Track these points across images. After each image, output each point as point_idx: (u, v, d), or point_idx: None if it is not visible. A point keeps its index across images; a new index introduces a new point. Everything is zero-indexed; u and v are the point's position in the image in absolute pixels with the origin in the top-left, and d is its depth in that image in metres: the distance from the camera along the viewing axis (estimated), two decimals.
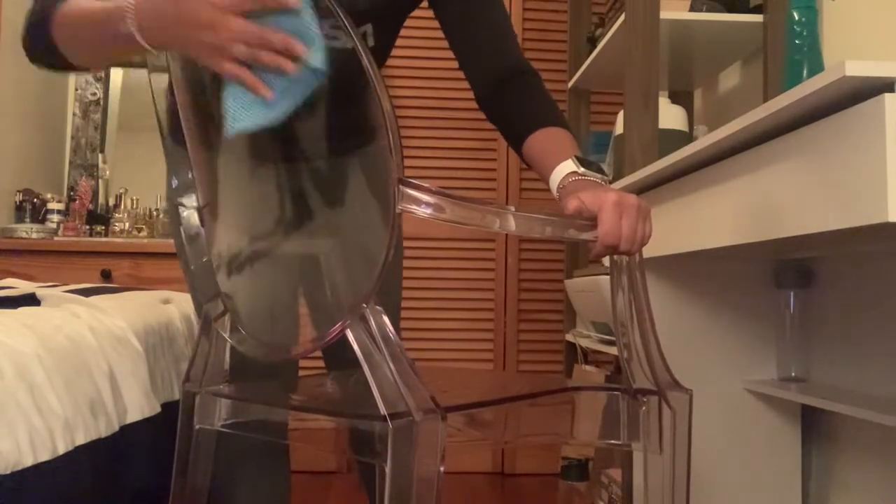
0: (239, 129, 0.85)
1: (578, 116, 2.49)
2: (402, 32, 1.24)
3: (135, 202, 2.97)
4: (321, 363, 1.41)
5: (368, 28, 1.12)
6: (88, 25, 1.00)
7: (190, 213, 1.01)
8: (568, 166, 1.04)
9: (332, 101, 1.00)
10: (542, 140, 1.10)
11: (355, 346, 0.79)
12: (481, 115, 1.18)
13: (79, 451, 1.00)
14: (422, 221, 2.49)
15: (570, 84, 2.48)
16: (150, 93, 1.03)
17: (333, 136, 1.13)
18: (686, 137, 1.97)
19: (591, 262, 2.49)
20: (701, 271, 1.68)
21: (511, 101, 1.13)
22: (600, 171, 1.05)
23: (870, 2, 1.57)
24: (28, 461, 0.90)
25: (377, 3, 1.10)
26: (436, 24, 1.18)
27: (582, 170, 1.03)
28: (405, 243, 2.06)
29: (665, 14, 1.84)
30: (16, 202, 2.83)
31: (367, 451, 0.80)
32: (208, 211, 1.01)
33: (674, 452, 0.99)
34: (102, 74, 3.17)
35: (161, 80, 1.01)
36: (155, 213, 2.96)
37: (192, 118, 1.01)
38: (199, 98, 0.99)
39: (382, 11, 1.12)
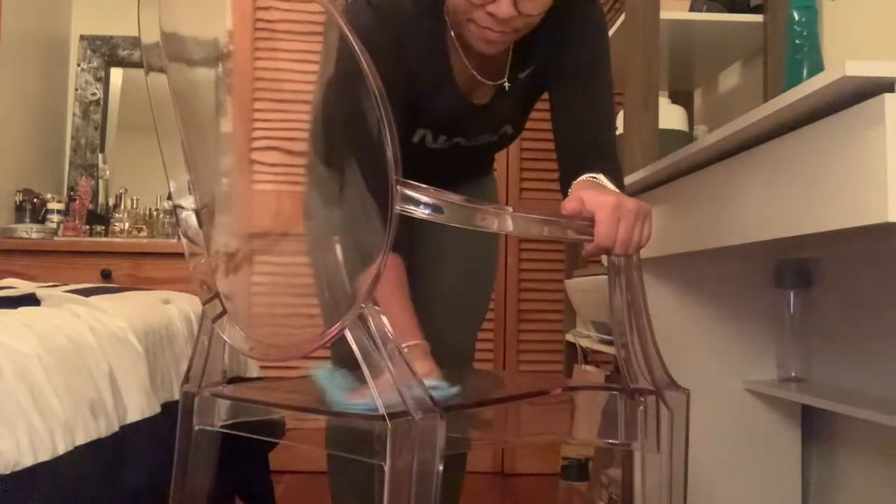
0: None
1: None
2: None
3: (135, 202, 2.97)
4: (321, 363, 1.41)
5: (508, 127, 1.30)
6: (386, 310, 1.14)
7: (188, 214, 1.02)
8: (589, 174, 1.06)
9: (464, 164, 1.34)
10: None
11: (354, 346, 0.79)
12: None
13: (79, 451, 1.00)
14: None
15: None
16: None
17: (459, 176, 1.36)
18: (686, 137, 1.97)
19: (591, 262, 2.49)
20: (701, 271, 1.68)
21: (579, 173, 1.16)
22: (620, 188, 1.06)
23: (870, 2, 1.57)
24: (28, 461, 0.90)
25: (512, 111, 1.27)
26: None
27: (601, 177, 1.04)
28: None
29: (665, 14, 1.84)
30: (16, 202, 2.83)
31: (366, 450, 0.80)
32: (207, 212, 1.01)
33: (671, 452, 0.99)
34: (102, 74, 3.17)
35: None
36: (155, 213, 2.96)
37: (191, 120, 1.01)
38: (197, 101, 0.99)
39: (517, 114, 1.29)
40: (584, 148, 1.18)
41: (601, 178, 1.06)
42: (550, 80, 1.23)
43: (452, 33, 1.17)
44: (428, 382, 1.10)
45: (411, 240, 1.40)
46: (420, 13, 1.15)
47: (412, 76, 1.16)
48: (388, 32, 1.12)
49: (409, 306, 1.19)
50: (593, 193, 0.96)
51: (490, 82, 1.22)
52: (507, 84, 1.21)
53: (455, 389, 1.13)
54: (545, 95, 1.28)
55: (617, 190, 1.04)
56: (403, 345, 1.17)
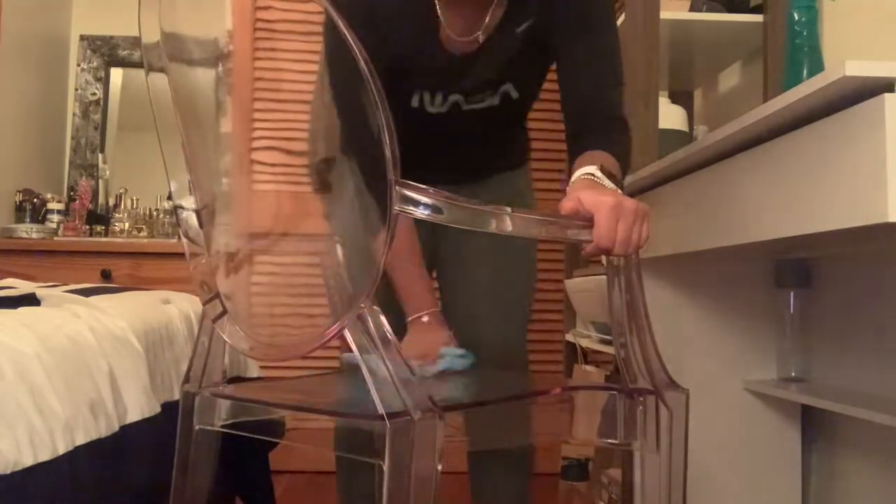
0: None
1: None
2: None
3: (135, 202, 2.97)
4: (321, 363, 1.41)
5: (509, 86, 1.24)
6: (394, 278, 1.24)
7: (189, 214, 1.02)
8: (588, 170, 1.04)
9: (481, 139, 1.31)
10: (585, 155, 1.11)
11: (353, 346, 0.79)
12: None
13: (79, 451, 1.00)
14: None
15: None
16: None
17: (485, 164, 1.39)
18: (686, 137, 1.97)
19: (591, 262, 2.49)
20: (701, 271, 1.68)
21: (587, 144, 1.14)
22: (619, 186, 1.05)
23: (870, 2, 1.57)
24: (28, 461, 0.90)
25: (508, 68, 1.23)
26: None
27: (599, 175, 1.03)
28: None
29: (665, 14, 1.84)
30: (16, 202, 2.83)
31: (365, 450, 0.80)
32: (207, 212, 1.01)
33: (670, 451, 0.99)
34: (102, 74, 3.17)
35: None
36: (155, 213, 2.96)
37: (191, 120, 1.01)
38: (197, 101, 0.99)
39: (515, 73, 1.24)
40: (588, 109, 1.16)
41: (599, 174, 1.04)
42: (553, 35, 1.19)
43: None
44: (445, 350, 1.13)
45: (435, 238, 1.40)
46: None
47: (390, 37, 1.14)
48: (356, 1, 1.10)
49: (423, 275, 1.21)
50: (591, 193, 0.96)
51: (469, 35, 1.18)
52: (480, 36, 1.18)
53: (471, 359, 1.15)
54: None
55: (615, 187, 1.03)
56: (421, 314, 1.19)
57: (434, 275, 1.44)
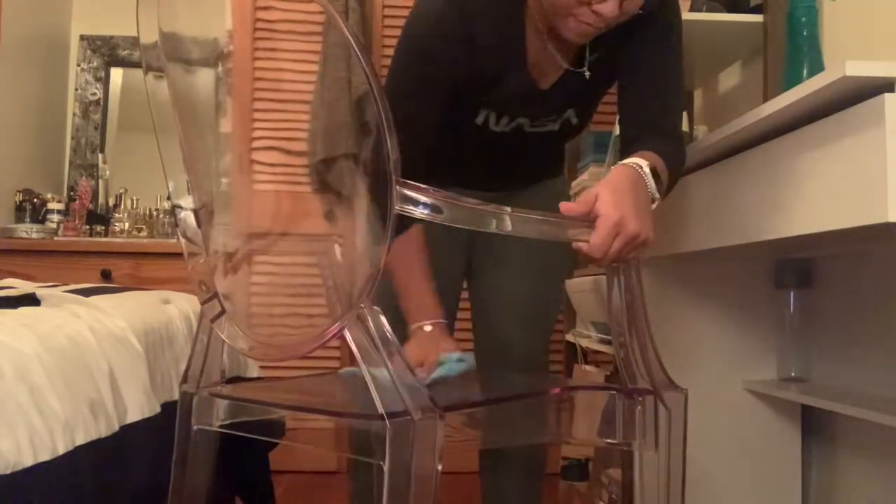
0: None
1: None
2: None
3: (135, 202, 2.97)
4: (321, 363, 1.41)
5: (571, 112, 1.30)
6: (396, 280, 1.23)
7: (187, 214, 1.02)
8: (637, 160, 1.06)
9: (530, 155, 1.37)
10: (641, 151, 1.12)
11: (353, 347, 0.79)
12: None
13: (79, 451, 1.00)
14: None
15: None
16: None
17: (529, 175, 1.44)
18: (686, 137, 1.97)
19: (591, 262, 2.48)
20: (701, 271, 1.68)
21: (646, 146, 1.15)
22: (660, 189, 1.06)
23: (870, 2, 1.57)
24: (28, 461, 0.90)
25: (574, 97, 1.29)
26: None
27: (646, 171, 1.04)
28: None
29: None
30: (16, 202, 2.83)
31: (365, 450, 0.80)
32: (205, 212, 1.01)
33: (669, 451, 1.00)
34: (102, 74, 3.17)
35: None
36: (155, 213, 2.96)
37: (189, 120, 1.01)
38: (196, 101, 0.99)
39: (581, 102, 1.31)
40: (652, 128, 1.19)
41: (646, 169, 1.05)
42: (619, 67, 1.24)
43: (534, 16, 1.19)
44: (453, 355, 1.13)
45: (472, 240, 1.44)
46: None
47: (480, 59, 1.17)
48: (456, 17, 1.14)
49: (429, 283, 1.21)
50: (610, 199, 0.97)
51: (569, 67, 1.23)
52: (587, 72, 1.24)
53: (468, 363, 1.17)
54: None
55: (654, 188, 1.04)
56: (424, 322, 1.19)
57: (465, 284, 1.49)
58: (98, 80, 3.16)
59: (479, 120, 1.25)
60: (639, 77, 1.21)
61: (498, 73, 1.20)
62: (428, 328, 1.20)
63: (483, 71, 1.18)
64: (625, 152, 1.16)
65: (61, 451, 0.96)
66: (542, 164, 1.46)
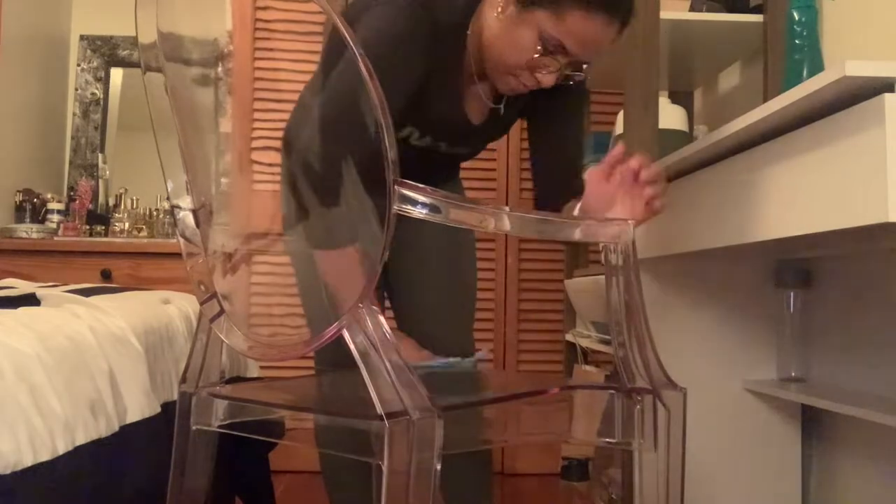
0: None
1: None
2: None
3: (135, 202, 2.97)
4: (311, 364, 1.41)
5: (486, 145, 1.44)
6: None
7: (186, 214, 1.02)
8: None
9: (435, 168, 1.43)
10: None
11: (352, 347, 0.79)
12: None
13: (79, 451, 1.00)
14: None
15: None
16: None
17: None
18: (686, 137, 1.97)
19: (591, 262, 2.49)
20: (701, 271, 1.68)
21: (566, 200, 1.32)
22: None
23: (870, 2, 1.57)
24: (28, 461, 0.90)
25: (496, 131, 1.42)
26: None
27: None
28: None
29: (665, 14, 1.84)
30: (16, 202, 2.83)
31: (365, 450, 0.80)
32: (204, 212, 1.01)
33: (668, 450, 1.00)
34: (102, 74, 3.17)
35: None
36: (155, 213, 2.96)
37: (188, 119, 1.01)
38: (194, 101, 0.99)
39: (497, 134, 1.44)
40: (563, 174, 1.35)
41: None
42: (535, 111, 1.38)
43: (468, 56, 1.26)
44: (441, 361, 1.16)
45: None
46: (449, 30, 1.22)
47: (426, 77, 1.21)
48: (426, 27, 1.17)
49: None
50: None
51: (492, 105, 1.34)
52: (502, 108, 1.35)
53: (471, 359, 1.20)
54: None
55: None
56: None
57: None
58: (98, 80, 3.16)
59: (404, 133, 1.30)
60: (557, 146, 1.37)
61: (438, 92, 1.24)
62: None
63: (426, 87, 1.21)
64: (544, 207, 1.34)
65: (61, 451, 0.96)
66: (446, 170, 1.54)
